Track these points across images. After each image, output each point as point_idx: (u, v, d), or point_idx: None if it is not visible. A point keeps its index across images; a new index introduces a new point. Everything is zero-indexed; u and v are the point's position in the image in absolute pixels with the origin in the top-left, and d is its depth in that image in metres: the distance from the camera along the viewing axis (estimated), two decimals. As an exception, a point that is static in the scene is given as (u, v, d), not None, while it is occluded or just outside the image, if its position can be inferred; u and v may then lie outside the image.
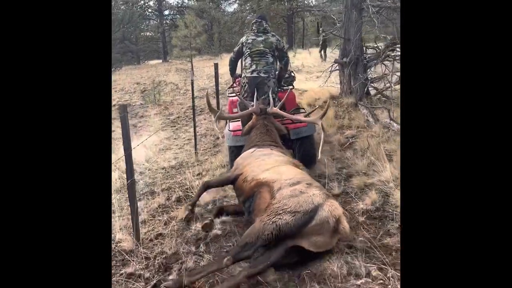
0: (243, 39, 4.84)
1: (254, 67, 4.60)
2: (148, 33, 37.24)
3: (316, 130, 4.84)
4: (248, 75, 4.61)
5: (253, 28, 4.87)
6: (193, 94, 5.48)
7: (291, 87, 5.61)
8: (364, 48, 7.89)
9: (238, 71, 5.28)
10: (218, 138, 6.70)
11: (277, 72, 4.78)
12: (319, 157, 3.86)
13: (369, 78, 7.46)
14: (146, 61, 33.36)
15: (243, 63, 4.79)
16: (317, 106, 5.75)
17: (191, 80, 5.36)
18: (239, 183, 3.38)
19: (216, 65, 7.23)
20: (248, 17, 32.08)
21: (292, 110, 5.00)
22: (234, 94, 5.42)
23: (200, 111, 9.22)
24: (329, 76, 9.47)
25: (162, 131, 7.69)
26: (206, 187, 3.75)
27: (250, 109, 4.28)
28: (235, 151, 4.30)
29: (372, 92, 7.82)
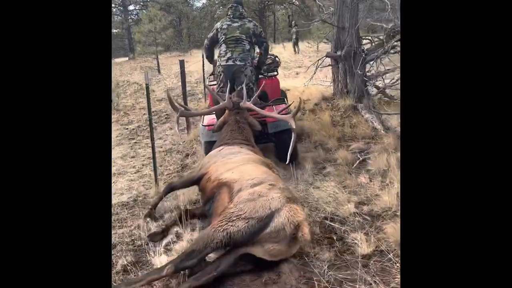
0: (218, 25, 4.57)
1: (229, 54, 4.38)
2: (113, 30, 35.47)
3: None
4: (223, 63, 4.39)
5: (229, 13, 4.59)
6: (149, 106, 4.00)
7: (275, 73, 5.39)
8: (361, 38, 6.57)
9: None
10: (187, 155, 5.25)
11: (255, 60, 4.62)
12: (287, 162, 3.66)
13: (373, 74, 6.14)
14: (112, 59, 31.51)
15: (218, 50, 4.57)
16: (293, 101, 4.89)
17: (146, 84, 3.88)
18: (203, 183, 3.20)
19: (182, 62, 5.78)
20: (217, 12, 30.78)
21: (274, 100, 4.76)
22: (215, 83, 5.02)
23: (166, 117, 7.73)
24: (315, 73, 8.16)
25: (117, 146, 6.18)
26: (170, 189, 3.52)
27: (221, 103, 4.00)
28: (210, 147, 3.97)
29: (372, 92, 6.51)
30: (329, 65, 7.11)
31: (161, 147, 5.76)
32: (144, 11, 28.45)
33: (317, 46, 20.05)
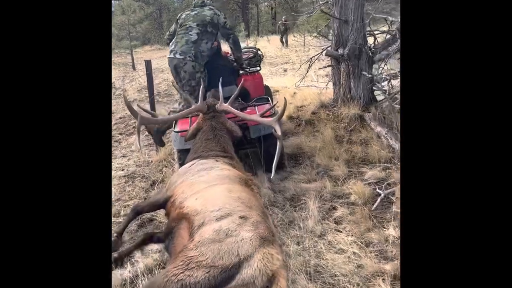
0: (180, 15, 4.24)
1: (172, 46, 3.98)
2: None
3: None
4: (168, 54, 4.04)
5: (193, 2, 4.25)
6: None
7: (258, 68, 4.83)
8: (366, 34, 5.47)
9: None
10: (154, 183, 4.11)
11: (204, 54, 3.98)
12: (272, 176, 2.85)
13: (383, 77, 5.06)
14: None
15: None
16: (277, 102, 4.47)
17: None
18: (168, 208, 2.58)
19: (148, 63, 4.62)
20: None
21: (256, 98, 4.25)
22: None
23: (135, 126, 6.54)
24: (307, 71, 7.10)
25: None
26: (136, 212, 2.83)
27: (193, 106, 3.39)
28: (185, 156, 3.43)
29: (379, 98, 5.43)
30: (328, 65, 6.00)
31: (123, 170, 4.60)
32: (118, 1, 27.02)
33: (304, 41, 19.05)
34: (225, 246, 1.99)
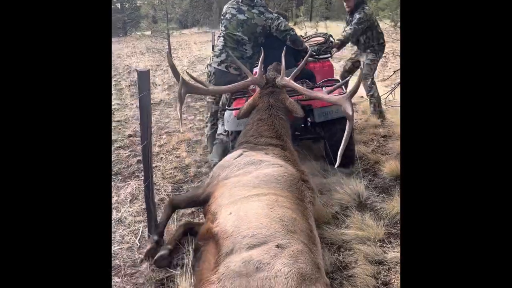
0: (224, 8, 3.93)
1: (223, 57, 3.71)
2: (138, 1, 33.12)
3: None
4: (215, 65, 3.76)
5: None
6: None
7: (328, 55, 4.42)
8: None
9: None
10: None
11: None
12: (337, 164, 2.50)
13: None
14: (134, 32, 28.72)
15: (216, 40, 4.04)
16: (349, 77, 4.14)
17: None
18: (205, 209, 2.43)
19: (144, 76, 2.55)
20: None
21: (324, 80, 3.75)
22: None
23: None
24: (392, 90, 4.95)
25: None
26: (173, 208, 2.68)
27: (249, 78, 3.11)
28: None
29: None
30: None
31: (132, 225, 2.65)
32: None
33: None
34: (254, 282, 1.64)
